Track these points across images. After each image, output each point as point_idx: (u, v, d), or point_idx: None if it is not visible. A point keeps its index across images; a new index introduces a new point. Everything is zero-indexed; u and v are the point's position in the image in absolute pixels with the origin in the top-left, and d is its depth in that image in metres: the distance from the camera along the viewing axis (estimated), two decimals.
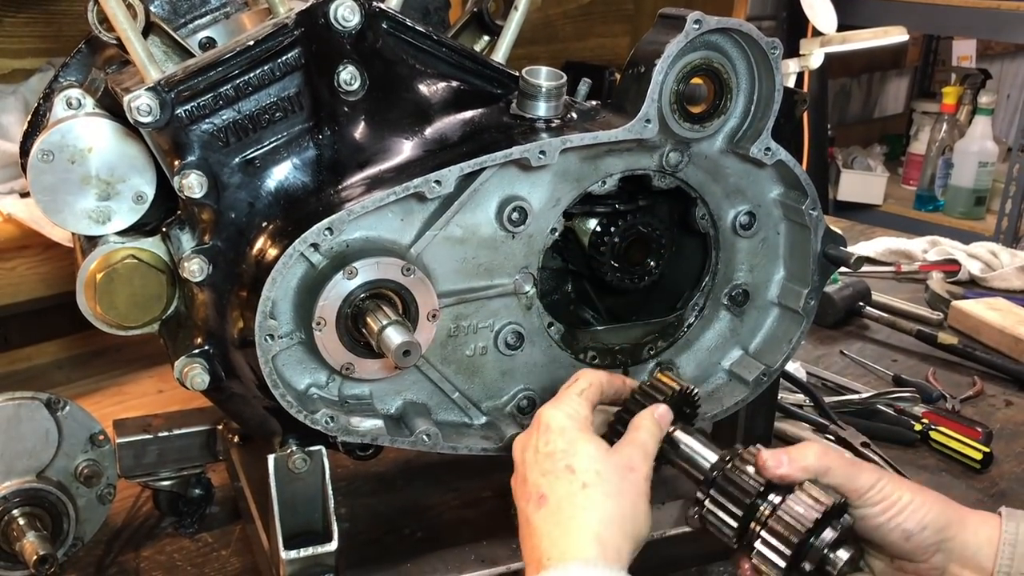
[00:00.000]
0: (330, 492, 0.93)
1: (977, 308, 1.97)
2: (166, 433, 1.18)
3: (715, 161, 1.00)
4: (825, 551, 0.78)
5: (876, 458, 1.45)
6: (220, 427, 1.20)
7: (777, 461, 0.81)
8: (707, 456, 0.85)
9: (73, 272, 1.57)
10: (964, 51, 3.66)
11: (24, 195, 1.48)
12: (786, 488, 0.80)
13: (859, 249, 2.43)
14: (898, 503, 0.80)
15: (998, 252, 2.32)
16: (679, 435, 0.88)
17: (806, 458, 0.81)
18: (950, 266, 2.27)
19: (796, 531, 0.78)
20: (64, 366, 1.64)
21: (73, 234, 1.07)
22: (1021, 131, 3.04)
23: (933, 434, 1.51)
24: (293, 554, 0.90)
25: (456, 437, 0.97)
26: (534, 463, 0.82)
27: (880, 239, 2.46)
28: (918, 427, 1.53)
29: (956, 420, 1.56)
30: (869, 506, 0.81)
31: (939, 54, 4.02)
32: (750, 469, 0.82)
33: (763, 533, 0.79)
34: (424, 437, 0.93)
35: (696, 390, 0.91)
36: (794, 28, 2.79)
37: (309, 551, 0.91)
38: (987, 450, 1.46)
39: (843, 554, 0.79)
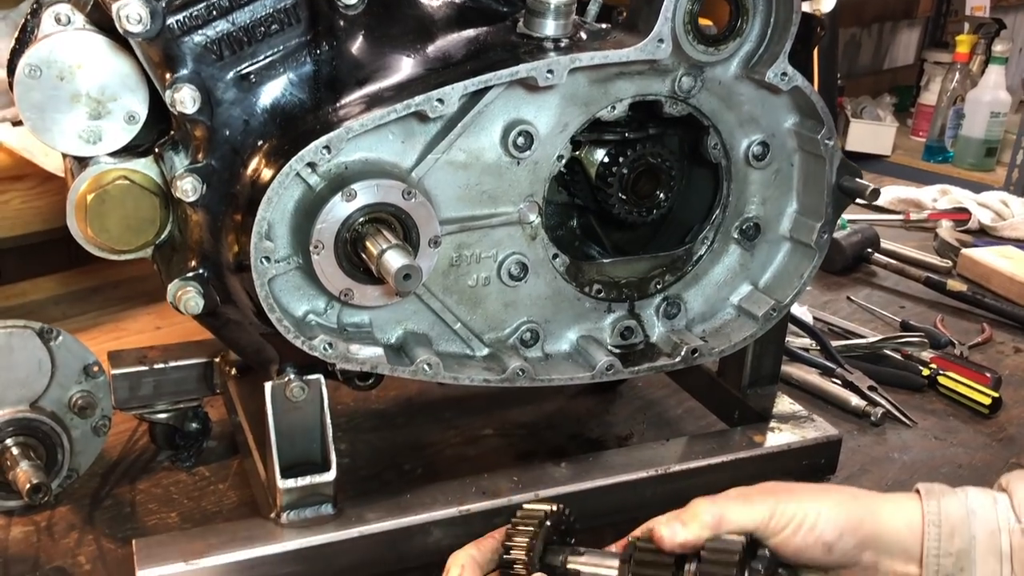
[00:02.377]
0: (328, 421, 0.91)
1: (987, 256, 1.94)
2: (162, 365, 1.16)
3: (729, 87, 0.97)
4: None
5: (884, 402, 1.44)
6: (217, 360, 1.18)
7: (672, 531, 0.76)
8: (610, 564, 0.80)
9: None
10: (978, 1, 3.58)
11: (17, 124, 1.44)
12: (695, 554, 0.76)
13: None
14: (804, 520, 0.77)
15: (1009, 201, 2.28)
16: (573, 563, 0.81)
17: (697, 515, 0.77)
18: (960, 215, 2.24)
19: None
20: (60, 302, 1.62)
21: (64, 159, 1.04)
22: None
23: (941, 379, 1.50)
24: (291, 483, 0.89)
25: (457, 367, 0.94)
26: None
27: (889, 188, 2.42)
28: (926, 372, 1.51)
29: (965, 365, 1.54)
30: (777, 533, 0.77)
31: (952, 4, 3.93)
32: (654, 551, 0.78)
33: None
34: (425, 367, 0.91)
35: (567, 509, 0.84)
36: None
37: (307, 480, 0.89)
38: (996, 395, 1.45)
39: None
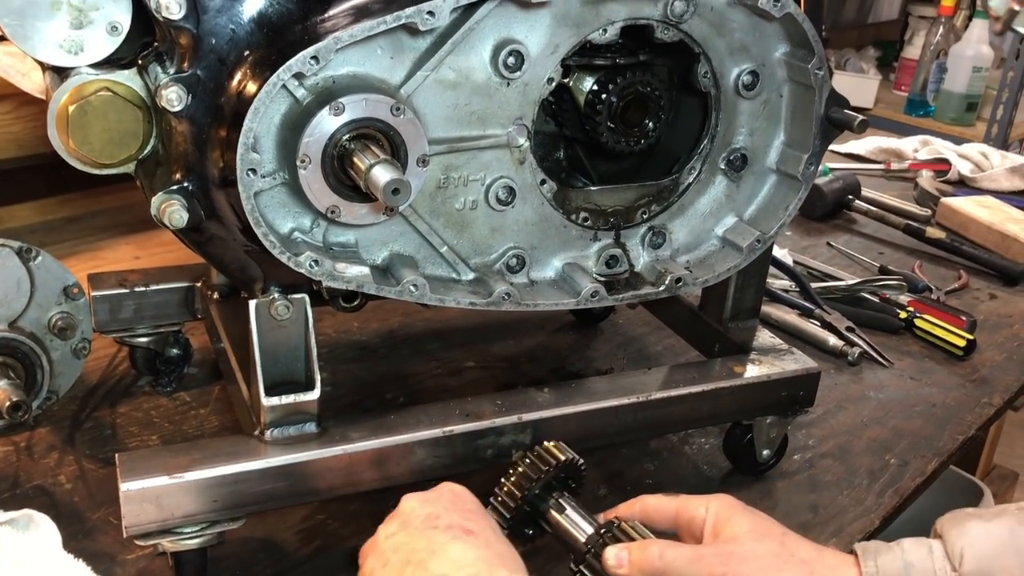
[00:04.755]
0: (313, 341, 0.91)
1: (966, 205, 1.96)
2: (143, 288, 1.15)
3: (721, 13, 0.96)
4: None
5: (861, 342, 1.45)
6: (199, 284, 1.17)
7: (618, 560, 0.80)
8: (580, 532, 0.84)
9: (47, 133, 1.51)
10: None
11: None
12: None
13: (849, 147, 2.40)
14: None
15: (988, 153, 2.30)
16: (553, 513, 0.86)
17: (645, 560, 0.79)
18: (940, 165, 2.25)
19: None
20: (37, 230, 1.60)
21: (43, 74, 1.02)
22: (1016, 37, 3.00)
23: (918, 322, 1.51)
24: (275, 400, 0.88)
25: (443, 290, 0.94)
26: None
27: (870, 138, 2.43)
28: (903, 315, 1.53)
29: (941, 309, 1.56)
30: None
31: None
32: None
33: None
34: (411, 287, 0.90)
35: (583, 463, 0.88)
36: None
37: (291, 398, 0.89)
38: (971, 337, 1.47)
39: None
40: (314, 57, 0.79)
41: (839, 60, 3.34)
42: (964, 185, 2.22)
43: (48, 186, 1.62)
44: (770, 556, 0.79)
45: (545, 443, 0.89)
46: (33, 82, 1.33)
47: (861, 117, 0.99)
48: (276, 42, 0.82)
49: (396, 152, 0.86)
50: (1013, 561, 0.75)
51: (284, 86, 0.80)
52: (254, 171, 0.81)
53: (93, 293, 1.13)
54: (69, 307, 1.11)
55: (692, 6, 0.94)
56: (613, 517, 0.85)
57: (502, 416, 0.97)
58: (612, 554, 0.80)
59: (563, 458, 0.87)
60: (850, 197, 1.98)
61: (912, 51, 3.37)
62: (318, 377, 0.91)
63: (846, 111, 1.01)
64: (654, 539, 0.82)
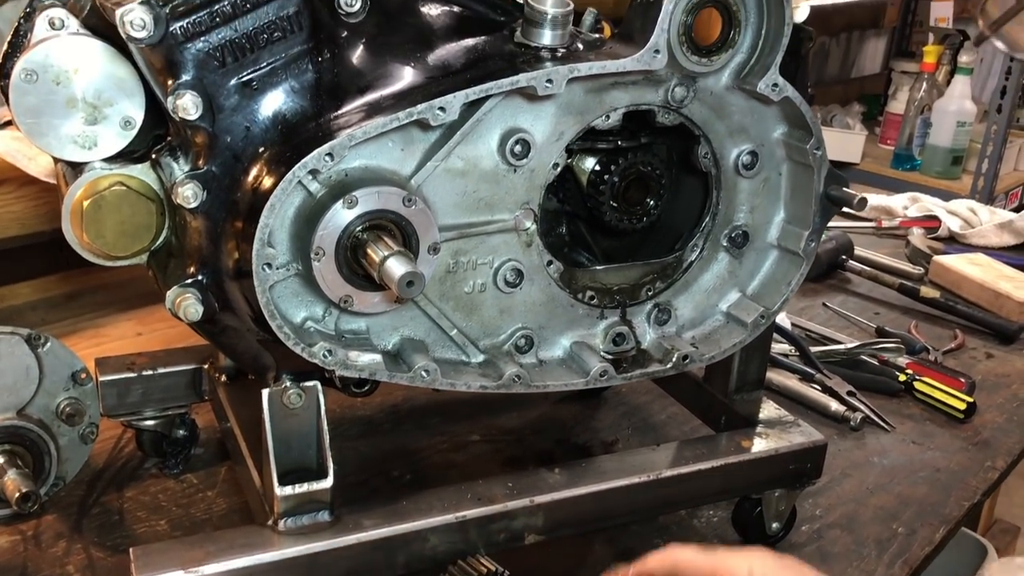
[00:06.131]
0: (325, 428, 0.91)
1: (958, 263, 1.98)
2: (150, 372, 1.16)
3: (720, 97, 0.98)
4: None
5: (862, 407, 1.46)
6: (206, 366, 1.17)
7: None
8: None
9: (49, 211, 1.52)
10: (942, 13, 3.65)
11: None
12: None
13: None
14: None
15: (977, 209, 2.33)
16: None
17: None
18: (930, 222, 2.28)
19: None
20: (39, 308, 1.60)
21: (56, 165, 1.03)
22: (998, 92, 3.06)
23: (917, 384, 1.53)
24: (288, 490, 0.89)
25: (454, 374, 0.95)
26: None
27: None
28: (902, 377, 1.54)
29: (940, 371, 1.57)
30: None
31: (917, 15, 4.01)
32: None
33: None
34: (423, 373, 0.91)
35: (506, 572, 0.93)
36: None
37: (304, 487, 0.89)
38: (971, 400, 1.48)
39: None
40: (329, 154, 0.81)
41: (825, 116, 3.39)
42: (954, 242, 2.25)
43: (49, 263, 1.62)
44: None
45: (469, 557, 0.92)
46: (39, 166, 1.34)
47: (860, 195, 1.01)
48: (291, 139, 0.83)
49: (408, 241, 0.87)
50: None
51: (299, 182, 0.82)
52: (269, 265, 0.82)
53: (101, 378, 1.13)
54: (77, 392, 1.12)
55: (692, 92, 0.96)
56: (646, 574, 0.84)
57: (514, 499, 0.97)
58: None
59: (483, 571, 0.90)
60: (843, 257, 2.00)
61: (896, 106, 3.42)
62: (331, 464, 0.91)
63: (845, 189, 1.03)
64: None
